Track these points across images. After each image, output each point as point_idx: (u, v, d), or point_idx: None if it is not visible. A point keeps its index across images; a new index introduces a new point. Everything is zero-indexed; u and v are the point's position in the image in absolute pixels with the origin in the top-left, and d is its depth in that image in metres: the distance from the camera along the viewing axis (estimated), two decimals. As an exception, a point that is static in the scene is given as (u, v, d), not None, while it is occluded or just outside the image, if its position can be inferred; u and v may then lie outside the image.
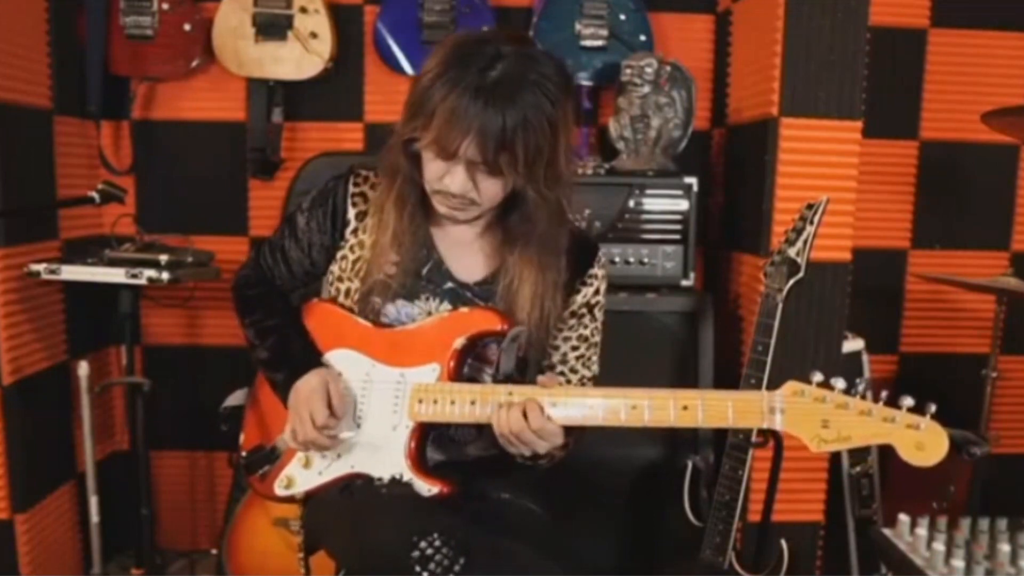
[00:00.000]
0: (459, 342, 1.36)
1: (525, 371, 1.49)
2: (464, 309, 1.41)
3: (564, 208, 1.39)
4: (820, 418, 1.19)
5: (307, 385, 1.36)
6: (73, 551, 2.40)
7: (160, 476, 2.61)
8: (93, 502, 2.20)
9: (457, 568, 1.15)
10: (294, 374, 1.39)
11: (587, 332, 1.50)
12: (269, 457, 1.41)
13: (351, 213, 1.45)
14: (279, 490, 1.44)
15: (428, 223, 1.44)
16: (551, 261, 1.40)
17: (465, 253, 1.46)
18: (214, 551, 2.32)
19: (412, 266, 1.41)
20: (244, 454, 1.45)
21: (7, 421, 2.09)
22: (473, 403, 1.31)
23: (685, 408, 1.24)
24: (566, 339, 1.49)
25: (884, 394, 1.18)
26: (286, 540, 2.06)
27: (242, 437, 1.55)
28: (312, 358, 1.42)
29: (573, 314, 1.47)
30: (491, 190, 1.32)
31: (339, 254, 1.46)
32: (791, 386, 1.21)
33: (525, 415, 1.25)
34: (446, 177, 1.30)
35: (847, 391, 1.19)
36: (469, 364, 1.40)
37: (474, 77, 1.22)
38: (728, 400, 1.24)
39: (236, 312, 1.53)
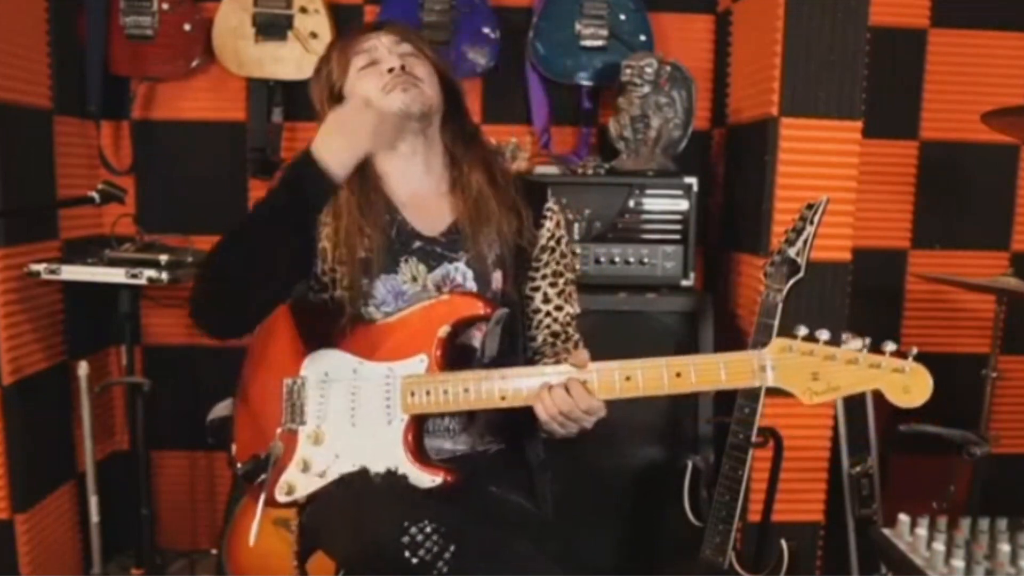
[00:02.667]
0: (444, 330, 1.36)
1: (517, 346, 1.53)
2: (445, 296, 1.42)
3: (484, 138, 1.59)
4: (810, 371, 1.23)
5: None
6: (73, 551, 2.40)
7: (160, 476, 2.61)
8: (93, 502, 2.20)
9: (447, 556, 1.16)
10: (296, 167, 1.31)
11: (560, 268, 1.57)
12: (264, 465, 1.40)
13: None
14: (281, 497, 1.43)
15: (383, 188, 1.49)
16: (502, 195, 1.49)
17: (425, 209, 1.50)
18: (214, 551, 2.32)
19: (383, 237, 1.44)
20: (239, 466, 1.44)
21: (7, 421, 2.09)
22: (467, 391, 1.32)
23: (678, 375, 1.27)
24: (543, 276, 1.55)
25: (867, 340, 1.22)
26: (286, 540, 2.06)
27: (233, 448, 1.52)
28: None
29: (543, 248, 1.54)
30: (420, 69, 1.47)
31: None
32: (778, 343, 1.25)
33: (569, 394, 1.28)
34: (381, 64, 1.45)
35: (833, 342, 1.22)
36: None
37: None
38: (720, 361, 1.27)
39: (205, 275, 1.41)
